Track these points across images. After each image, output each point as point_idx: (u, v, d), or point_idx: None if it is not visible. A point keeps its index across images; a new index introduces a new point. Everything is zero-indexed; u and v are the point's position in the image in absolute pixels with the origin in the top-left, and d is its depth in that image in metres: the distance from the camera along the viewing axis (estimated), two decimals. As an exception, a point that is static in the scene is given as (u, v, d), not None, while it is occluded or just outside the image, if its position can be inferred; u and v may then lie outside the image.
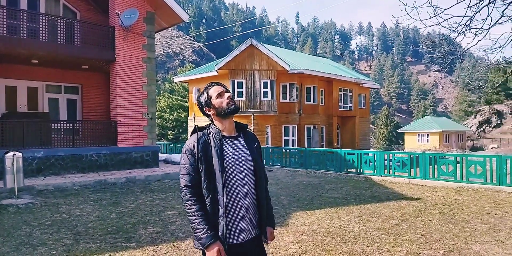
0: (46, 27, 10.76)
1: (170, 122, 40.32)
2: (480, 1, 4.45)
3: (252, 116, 20.00)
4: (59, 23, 11.07)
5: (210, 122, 2.17)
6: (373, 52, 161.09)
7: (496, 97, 57.68)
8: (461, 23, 4.61)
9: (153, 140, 12.88)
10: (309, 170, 13.01)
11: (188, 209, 1.99)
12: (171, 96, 41.86)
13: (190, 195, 1.99)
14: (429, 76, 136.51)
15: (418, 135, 46.36)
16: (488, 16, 4.48)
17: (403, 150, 43.25)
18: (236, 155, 2.06)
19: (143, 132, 12.57)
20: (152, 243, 4.75)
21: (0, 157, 8.05)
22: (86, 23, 11.91)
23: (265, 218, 2.15)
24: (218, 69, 20.28)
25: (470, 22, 4.56)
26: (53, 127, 11.18)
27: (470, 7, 4.48)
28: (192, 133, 2.10)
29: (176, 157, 14.49)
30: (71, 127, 11.61)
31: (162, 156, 15.69)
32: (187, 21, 13.88)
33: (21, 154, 7.60)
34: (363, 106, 27.84)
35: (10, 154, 7.43)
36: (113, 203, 7.33)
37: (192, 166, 2.01)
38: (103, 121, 12.86)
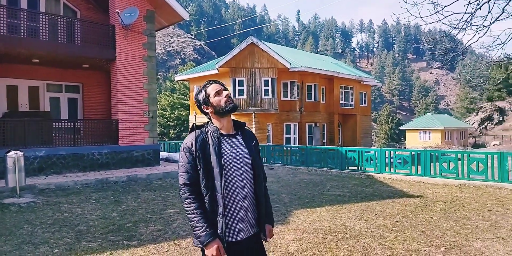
0: (46, 26, 10.77)
1: (171, 120, 40.42)
2: (481, -3, 4.42)
3: (253, 114, 19.97)
4: (59, 22, 11.07)
5: (208, 120, 2.17)
6: (374, 49, 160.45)
7: (498, 94, 57.53)
8: (461, 20, 4.58)
9: (154, 139, 12.91)
10: (310, 168, 13.01)
11: (187, 207, 1.99)
12: (172, 94, 41.94)
13: (188, 193, 2.00)
14: (431, 73, 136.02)
15: (420, 132, 46.22)
16: (489, 13, 4.45)
17: (405, 148, 43.18)
18: (234, 153, 2.06)
19: (144, 130, 12.60)
20: (154, 241, 4.77)
21: (2, 156, 8.09)
22: (86, 22, 11.92)
23: (264, 215, 2.15)
24: (219, 67, 20.25)
25: (471, 19, 4.53)
26: (54, 126, 11.22)
27: (470, 3, 4.45)
28: (190, 131, 2.10)
29: (177, 155, 14.51)
30: (72, 126, 11.66)
31: (163, 154, 15.75)
32: (188, 19, 13.84)
33: (22, 153, 7.64)
34: (365, 103, 27.76)
35: (12, 153, 7.47)
36: (114, 202, 7.35)
37: (191, 164, 2.01)
38: (104, 120, 12.89)
